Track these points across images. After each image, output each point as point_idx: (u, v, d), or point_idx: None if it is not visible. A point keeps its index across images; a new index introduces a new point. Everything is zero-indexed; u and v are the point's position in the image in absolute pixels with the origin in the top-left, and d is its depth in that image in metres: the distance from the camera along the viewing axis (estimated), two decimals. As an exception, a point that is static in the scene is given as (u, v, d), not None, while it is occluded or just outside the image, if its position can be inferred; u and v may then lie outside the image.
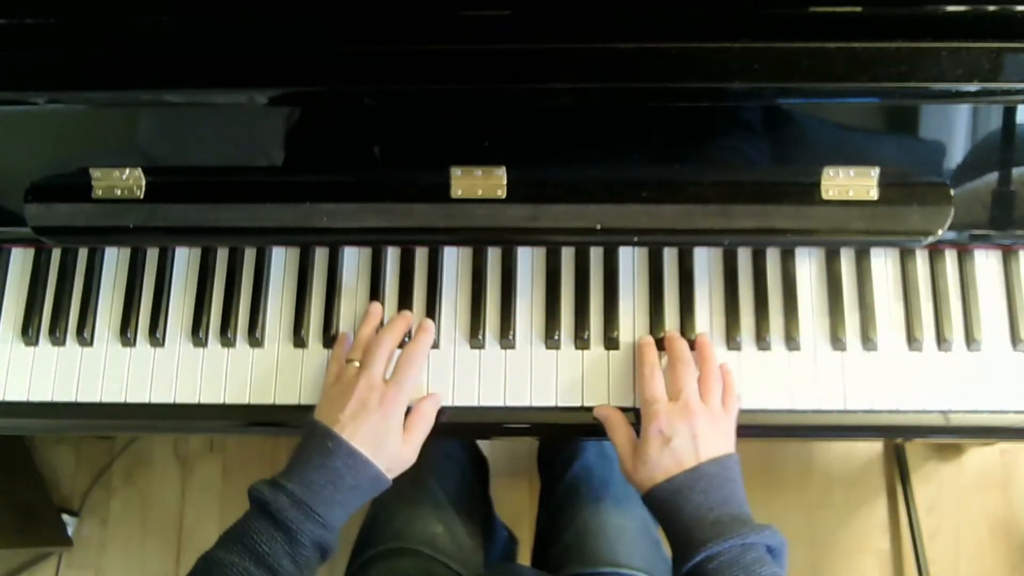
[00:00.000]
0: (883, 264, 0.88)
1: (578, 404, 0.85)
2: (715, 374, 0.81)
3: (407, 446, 0.79)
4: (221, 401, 0.88)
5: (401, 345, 0.85)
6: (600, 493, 1.01)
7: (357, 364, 0.81)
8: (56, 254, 0.94)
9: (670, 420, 0.76)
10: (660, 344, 0.85)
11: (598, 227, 0.83)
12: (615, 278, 0.88)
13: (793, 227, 0.81)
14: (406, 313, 0.86)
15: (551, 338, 0.86)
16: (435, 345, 0.87)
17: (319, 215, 0.84)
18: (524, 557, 1.10)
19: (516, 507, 1.57)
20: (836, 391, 0.85)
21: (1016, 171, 0.82)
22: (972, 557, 1.58)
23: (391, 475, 0.79)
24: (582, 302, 0.87)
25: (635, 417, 0.82)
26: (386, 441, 0.77)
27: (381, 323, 0.87)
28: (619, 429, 0.81)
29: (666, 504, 0.74)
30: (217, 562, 0.70)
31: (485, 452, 1.24)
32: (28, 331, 0.91)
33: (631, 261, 0.89)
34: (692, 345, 0.84)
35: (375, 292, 0.89)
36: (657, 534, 0.99)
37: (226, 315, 0.89)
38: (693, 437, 0.75)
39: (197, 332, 0.89)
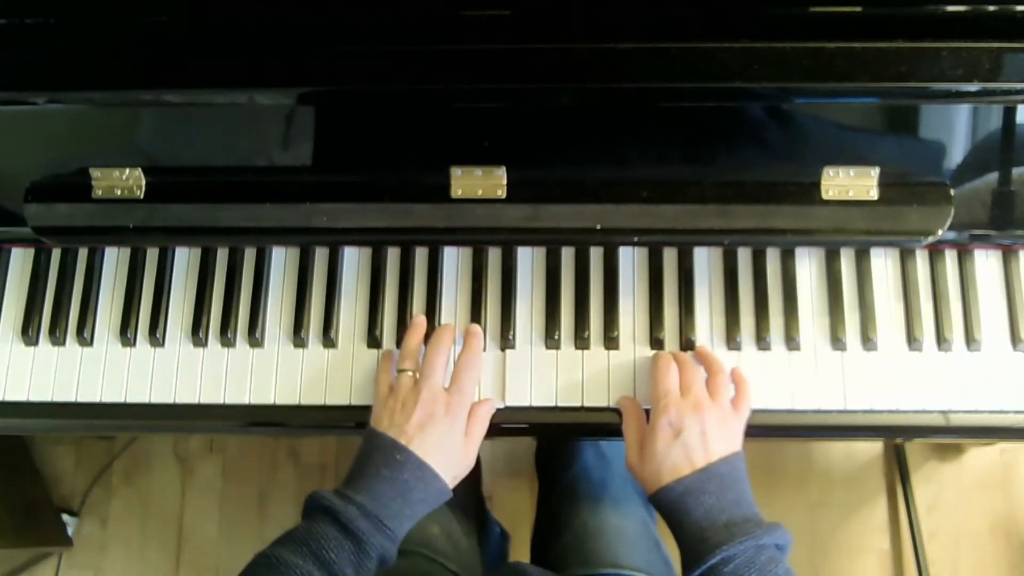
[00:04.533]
0: (883, 264, 0.88)
1: (578, 404, 0.85)
2: (723, 373, 0.81)
3: (468, 452, 0.80)
4: (221, 401, 0.88)
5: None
6: (599, 494, 1.01)
7: (410, 374, 0.81)
8: (56, 254, 0.94)
9: (680, 413, 0.76)
10: (660, 347, 0.86)
11: (598, 227, 0.83)
12: (615, 278, 0.88)
13: (793, 227, 0.81)
14: (449, 325, 0.87)
15: (551, 338, 0.86)
16: (435, 345, 0.88)
17: (319, 215, 0.84)
18: (519, 556, 1.10)
19: (516, 507, 1.57)
20: (836, 391, 0.84)
21: (1016, 171, 0.82)
22: (972, 557, 1.57)
23: (455, 482, 0.79)
24: (582, 302, 0.87)
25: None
26: (452, 449, 0.78)
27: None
28: (632, 422, 0.81)
29: (676, 505, 0.74)
30: (280, 562, 0.68)
31: (484, 452, 1.24)
32: (28, 331, 0.91)
33: (631, 261, 0.89)
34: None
35: (375, 292, 0.89)
36: (657, 534, 0.99)
37: (226, 315, 0.89)
38: (702, 433, 0.75)
39: (197, 332, 0.89)
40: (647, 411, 0.81)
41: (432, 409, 0.77)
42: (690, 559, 0.72)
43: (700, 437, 0.75)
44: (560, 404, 0.85)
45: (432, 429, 0.77)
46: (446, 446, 0.77)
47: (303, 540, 0.70)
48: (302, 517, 0.74)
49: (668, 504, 0.74)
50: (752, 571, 0.68)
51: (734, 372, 0.83)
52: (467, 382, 0.81)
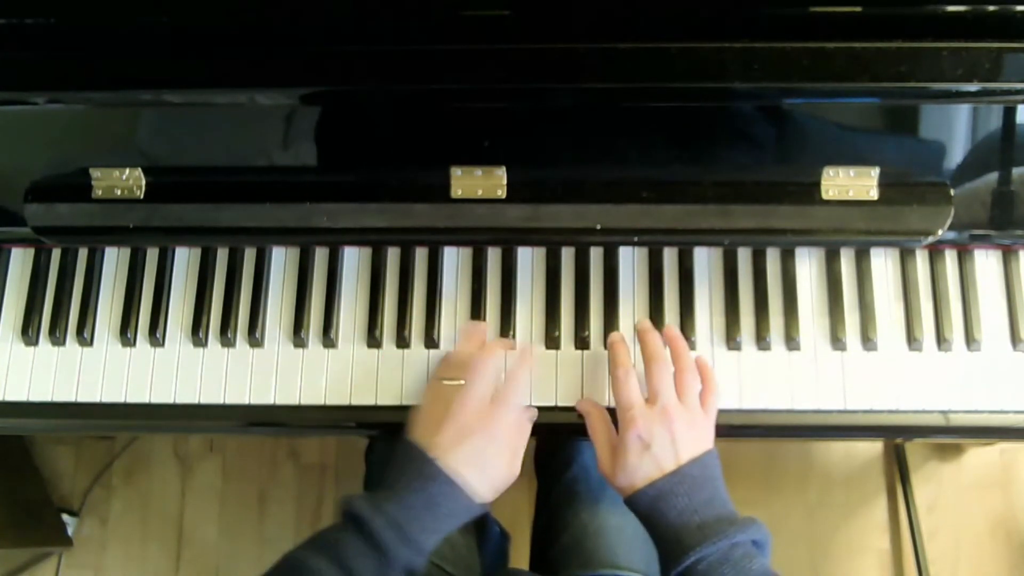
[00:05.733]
0: (883, 264, 0.88)
1: (578, 404, 0.85)
2: (691, 371, 0.79)
3: (512, 464, 0.78)
4: (221, 401, 0.88)
5: None
6: (598, 494, 1.01)
7: (456, 383, 0.79)
8: (56, 254, 0.94)
9: (648, 426, 0.75)
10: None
11: (598, 227, 0.83)
12: (615, 278, 0.88)
13: (793, 227, 0.81)
14: (506, 339, 0.86)
15: (551, 338, 0.86)
16: (434, 345, 0.87)
17: (319, 215, 0.84)
18: (519, 556, 1.10)
19: (516, 507, 1.57)
20: (836, 391, 0.84)
21: (1016, 171, 0.82)
22: (972, 557, 1.57)
23: (497, 493, 0.77)
24: (582, 302, 0.87)
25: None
26: (489, 463, 0.75)
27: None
28: (599, 428, 0.80)
29: (650, 509, 0.74)
30: (304, 567, 0.69)
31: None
32: (28, 331, 0.91)
33: (631, 261, 0.89)
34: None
35: (375, 292, 0.89)
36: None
37: (226, 315, 0.89)
38: (672, 441, 0.75)
39: (197, 332, 0.89)
40: (610, 410, 0.80)
41: (470, 421, 0.75)
42: (667, 562, 0.72)
43: (670, 445, 0.74)
44: (560, 404, 0.85)
45: (468, 443, 0.74)
46: (482, 460, 0.75)
47: (329, 546, 0.70)
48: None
49: (642, 508, 0.75)
50: (726, 567, 0.68)
51: (699, 363, 0.81)
52: (513, 396, 0.79)
